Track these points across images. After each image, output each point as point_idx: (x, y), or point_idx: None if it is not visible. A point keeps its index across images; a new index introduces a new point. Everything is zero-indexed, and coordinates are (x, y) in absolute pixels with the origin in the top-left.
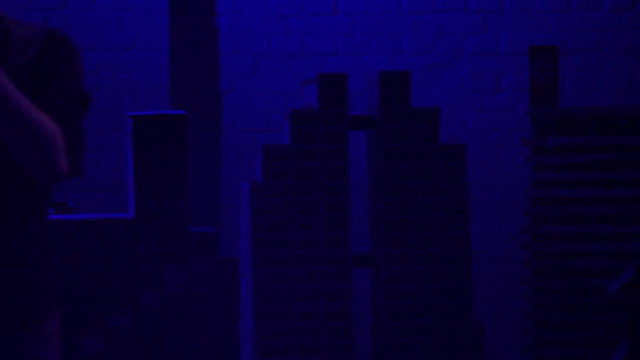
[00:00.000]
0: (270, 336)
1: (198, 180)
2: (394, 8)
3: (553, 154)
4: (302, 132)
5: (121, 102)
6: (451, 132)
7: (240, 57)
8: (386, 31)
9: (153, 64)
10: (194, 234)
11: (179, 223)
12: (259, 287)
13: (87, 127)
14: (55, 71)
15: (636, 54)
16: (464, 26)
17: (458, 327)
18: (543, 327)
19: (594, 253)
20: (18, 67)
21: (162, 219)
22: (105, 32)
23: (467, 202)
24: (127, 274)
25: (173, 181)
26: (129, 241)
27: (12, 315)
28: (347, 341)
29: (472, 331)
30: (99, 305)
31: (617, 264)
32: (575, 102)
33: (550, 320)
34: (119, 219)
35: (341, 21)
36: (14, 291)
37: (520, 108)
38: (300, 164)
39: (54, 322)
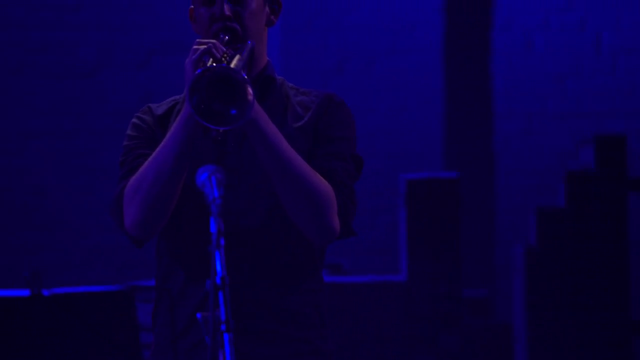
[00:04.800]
0: None
1: (470, 242)
2: None
3: None
4: (578, 194)
5: (395, 165)
6: None
7: (514, 117)
8: None
9: (426, 126)
10: (467, 298)
11: (452, 286)
12: (533, 353)
13: (361, 190)
14: (331, 134)
15: None
16: None
17: None
18: None
19: None
20: (296, 129)
21: (434, 282)
22: (380, 95)
23: None
24: (401, 337)
25: (446, 244)
26: (402, 304)
27: None
28: None
29: None
30: None
31: None
32: None
33: None
34: (392, 282)
35: (620, 80)
36: (293, 351)
37: None
38: (576, 226)
39: None
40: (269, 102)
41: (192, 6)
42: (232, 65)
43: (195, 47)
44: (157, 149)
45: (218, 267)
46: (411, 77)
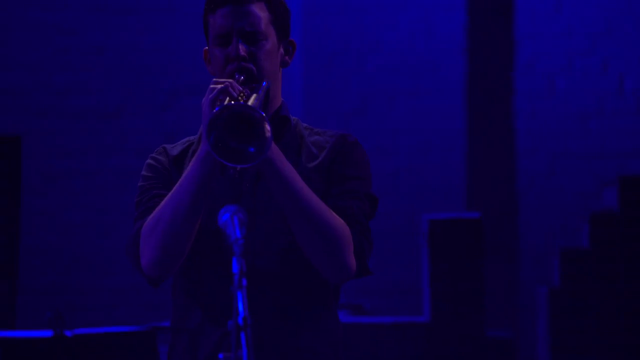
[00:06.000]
0: None
1: (494, 282)
2: None
3: None
4: (602, 236)
5: (417, 205)
6: None
7: (537, 157)
8: None
9: (449, 166)
10: (490, 339)
11: (475, 327)
12: None
13: (383, 230)
14: (345, 173)
15: None
16: None
17: None
18: None
19: None
20: (311, 169)
21: (457, 323)
22: (401, 135)
23: None
24: None
25: (469, 285)
26: (424, 345)
27: None
28: None
29: None
30: None
31: None
32: None
33: None
34: (414, 322)
35: None
36: None
37: None
38: (600, 268)
39: None
40: (284, 142)
41: (207, 47)
42: (250, 103)
43: (212, 86)
44: (174, 189)
45: (240, 308)
46: (434, 118)
